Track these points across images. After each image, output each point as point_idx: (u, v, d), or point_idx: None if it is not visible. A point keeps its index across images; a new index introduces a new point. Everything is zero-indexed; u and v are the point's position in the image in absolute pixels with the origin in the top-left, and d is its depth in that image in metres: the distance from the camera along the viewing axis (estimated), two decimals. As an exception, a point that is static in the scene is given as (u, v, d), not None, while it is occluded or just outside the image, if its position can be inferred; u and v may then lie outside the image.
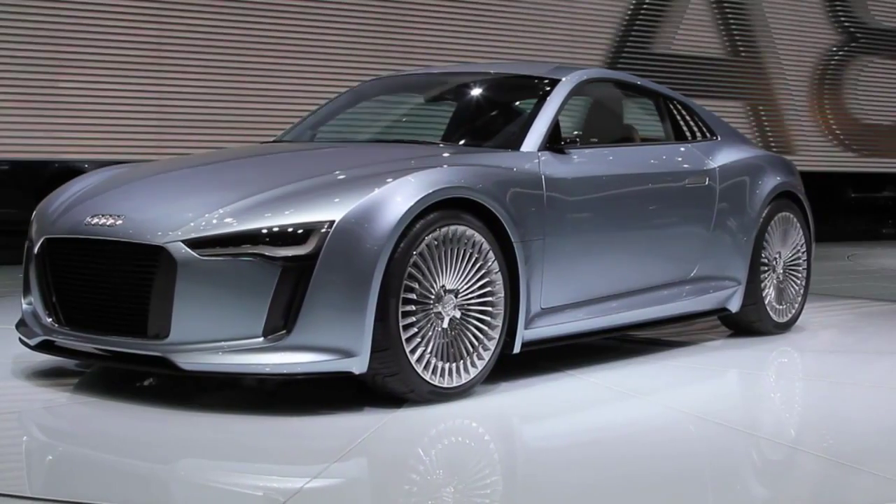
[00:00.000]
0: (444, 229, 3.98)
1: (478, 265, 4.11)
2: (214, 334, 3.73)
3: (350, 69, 10.04)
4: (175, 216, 3.87)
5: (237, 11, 9.88)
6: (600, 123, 5.63)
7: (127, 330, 3.87)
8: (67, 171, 8.19)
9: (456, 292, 4.04)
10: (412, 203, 3.86)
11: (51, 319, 4.13)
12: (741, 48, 13.14)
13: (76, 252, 4.08)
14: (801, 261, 5.98)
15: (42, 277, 4.17)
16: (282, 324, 3.71)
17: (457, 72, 5.74)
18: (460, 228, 4.04)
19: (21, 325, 4.36)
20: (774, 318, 5.79)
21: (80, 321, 4.04)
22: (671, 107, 5.74)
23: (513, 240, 4.23)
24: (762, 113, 13.29)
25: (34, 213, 4.48)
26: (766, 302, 5.72)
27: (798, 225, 5.95)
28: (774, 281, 5.80)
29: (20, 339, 4.32)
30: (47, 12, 9.07)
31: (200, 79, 9.69)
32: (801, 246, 5.98)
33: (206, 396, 4.18)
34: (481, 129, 5.18)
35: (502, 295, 4.19)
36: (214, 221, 3.80)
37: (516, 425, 3.98)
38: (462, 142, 5.01)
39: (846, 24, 13.98)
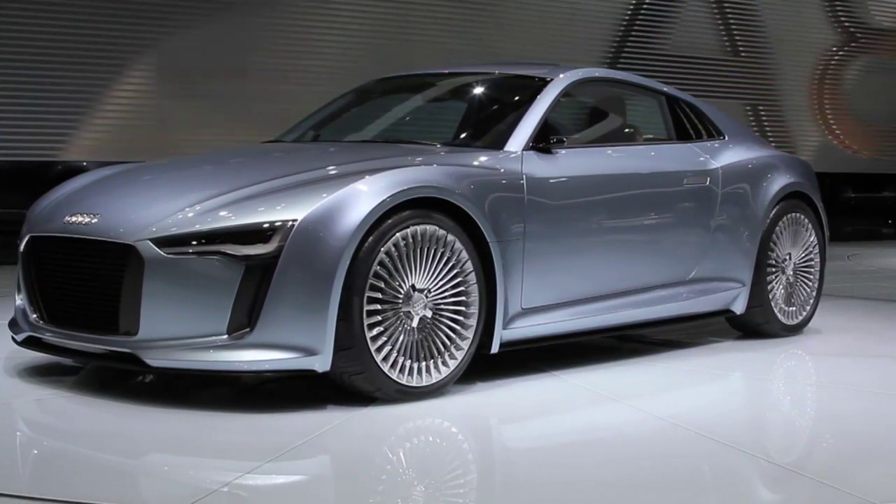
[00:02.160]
0: (412, 228, 4.00)
1: (450, 265, 4.12)
2: (181, 331, 3.79)
3: (350, 69, 10.03)
4: (146, 215, 3.94)
5: (237, 11, 9.88)
6: (600, 123, 5.60)
7: (101, 327, 3.94)
8: (68, 172, 8.20)
9: (427, 291, 4.05)
10: (376, 203, 3.89)
11: (35, 316, 4.22)
12: (741, 48, 13.14)
13: (56, 250, 4.16)
14: (813, 262, 5.88)
15: (28, 275, 4.25)
16: (245, 321, 3.77)
17: (458, 72, 5.73)
18: (430, 228, 4.05)
19: (13, 322, 4.45)
20: (783, 320, 5.70)
21: (62, 318, 4.13)
22: (675, 106, 5.68)
23: (488, 239, 4.23)
24: (762, 113, 13.29)
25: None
26: (774, 304, 5.64)
27: (810, 226, 5.85)
28: (784, 282, 5.71)
29: (12, 336, 4.40)
30: (47, 12, 9.07)
31: (200, 79, 9.69)
32: (814, 247, 5.88)
33: (200, 393, 4.21)
34: (474, 129, 5.18)
35: (476, 295, 4.19)
36: (182, 220, 3.86)
37: (482, 425, 3.94)
38: (453, 141, 5.00)
39: (846, 24, 13.98)
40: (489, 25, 11.27)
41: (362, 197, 3.89)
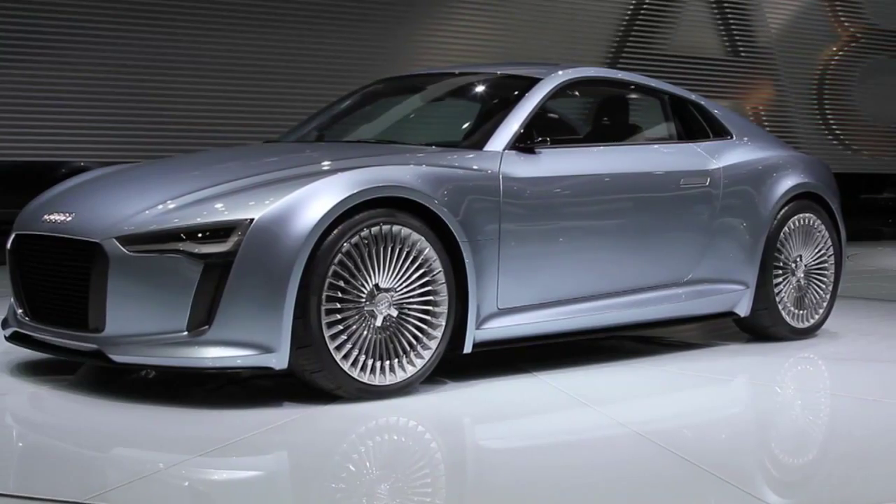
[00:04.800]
0: (375, 228, 4.01)
1: (416, 264, 4.12)
2: (144, 328, 3.87)
3: (351, 70, 10.04)
4: (115, 214, 4.03)
5: (237, 11, 9.88)
6: (600, 123, 5.58)
7: (73, 323, 4.03)
8: (68, 172, 8.20)
9: (391, 291, 4.06)
10: (335, 202, 3.92)
11: (21, 311, 4.32)
12: (741, 48, 13.14)
13: (35, 247, 4.25)
14: (826, 265, 5.74)
15: (14, 272, 4.35)
16: (205, 318, 3.83)
17: (461, 72, 5.74)
18: (395, 227, 4.06)
19: (5, 319, 4.56)
20: (792, 323, 5.58)
21: (42, 314, 4.22)
22: (676, 106, 5.59)
23: (458, 239, 4.23)
24: (762, 113, 13.29)
25: None
26: (782, 306, 5.52)
27: (823, 228, 5.72)
28: (794, 285, 5.59)
29: (3, 332, 4.52)
30: (47, 13, 9.06)
31: (200, 79, 9.69)
32: (827, 249, 5.75)
33: (193, 389, 4.25)
34: (463, 129, 5.15)
35: (445, 294, 4.19)
36: (147, 219, 3.95)
37: (445, 424, 3.89)
38: (443, 141, 4.95)
39: (846, 24, 13.98)
40: (490, 26, 11.26)
41: (321, 196, 3.93)
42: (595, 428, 3.84)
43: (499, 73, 5.49)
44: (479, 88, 5.46)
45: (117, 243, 3.89)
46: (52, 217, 4.20)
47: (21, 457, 3.45)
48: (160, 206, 3.99)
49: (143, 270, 3.86)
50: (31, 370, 4.49)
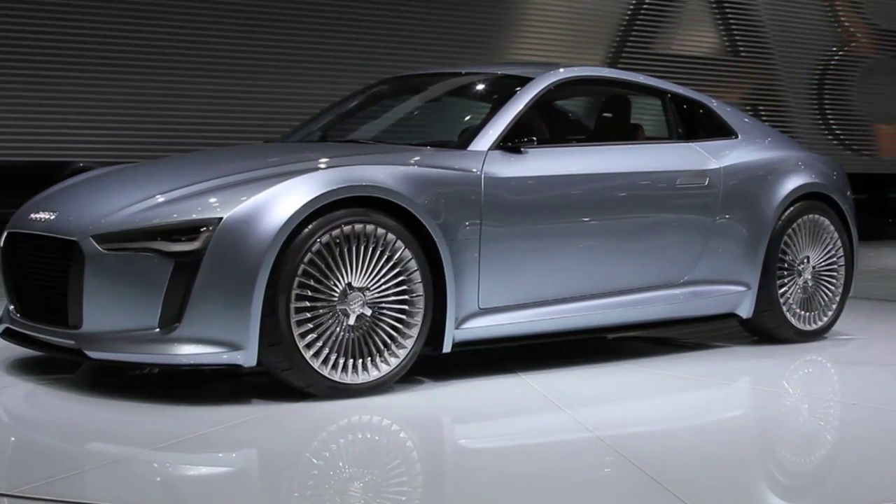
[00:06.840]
0: (347, 227, 4.03)
1: (391, 263, 4.13)
2: (119, 325, 3.94)
3: (351, 71, 10.04)
4: (93, 212, 4.11)
5: (238, 11, 9.87)
6: (599, 123, 5.57)
7: (55, 320, 4.11)
8: (70, 172, 8.19)
9: (364, 290, 4.08)
10: (304, 202, 3.96)
11: (12, 308, 4.41)
12: (741, 48, 13.14)
13: (23, 245, 4.34)
14: (836, 266, 5.67)
15: (6, 269, 4.45)
16: (175, 316, 3.88)
17: (465, 72, 5.75)
18: (368, 227, 4.08)
19: (1, 316, 4.63)
20: (797, 325, 5.52)
21: (30, 311, 4.29)
22: (678, 105, 5.54)
23: (436, 238, 4.23)
24: (762, 113, 13.27)
25: None
26: (787, 308, 5.47)
27: (832, 228, 5.65)
28: (800, 286, 5.53)
29: None
30: (48, 13, 9.06)
31: (201, 79, 9.69)
32: (837, 251, 5.68)
33: (187, 386, 4.28)
34: (453, 128, 5.15)
35: (421, 294, 4.19)
36: (122, 218, 4.02)
37: (419, 422, 3.89)
38: (436, 141, 4.96)
39: (846, 24, 13.96)
40: (489, 26, 11.25)
41: (290, 196, 3.97)
42: (558, 432, 3.77)
43: (499, 73, 5.49)
44: (478, 88, 5.50)
45: (93, 241, 3.96)
46: (38, 216, 4.30)
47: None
48: (137, 205, 4.06)
49: (117, 268, 3.94)
50: (31, 367, 4.54)
